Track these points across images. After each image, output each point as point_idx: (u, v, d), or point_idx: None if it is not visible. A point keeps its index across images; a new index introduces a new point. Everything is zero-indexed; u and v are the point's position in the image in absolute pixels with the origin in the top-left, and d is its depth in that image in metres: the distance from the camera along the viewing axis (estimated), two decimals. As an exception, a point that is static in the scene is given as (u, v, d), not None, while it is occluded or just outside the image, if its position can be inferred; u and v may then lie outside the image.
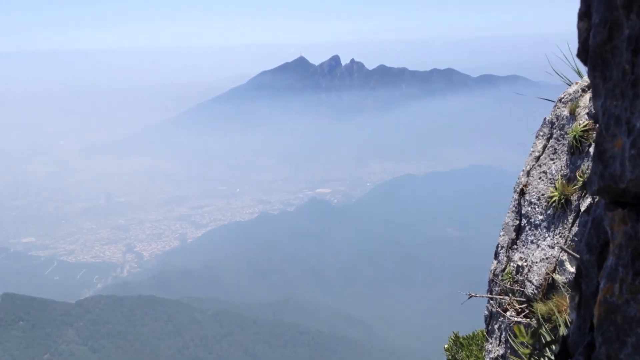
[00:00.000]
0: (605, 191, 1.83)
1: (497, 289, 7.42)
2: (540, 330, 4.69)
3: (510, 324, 6.79)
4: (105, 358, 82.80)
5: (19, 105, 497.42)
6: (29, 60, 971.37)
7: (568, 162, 6.57)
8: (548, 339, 4.32)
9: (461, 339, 10.05)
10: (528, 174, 7.20)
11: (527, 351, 4.41)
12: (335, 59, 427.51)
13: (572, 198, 6.36)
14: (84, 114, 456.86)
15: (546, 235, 6.71)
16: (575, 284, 1.89)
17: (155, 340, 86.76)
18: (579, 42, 1.96)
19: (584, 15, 1.94)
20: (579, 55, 1.98)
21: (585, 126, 6.23)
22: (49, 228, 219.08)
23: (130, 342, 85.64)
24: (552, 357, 3.57)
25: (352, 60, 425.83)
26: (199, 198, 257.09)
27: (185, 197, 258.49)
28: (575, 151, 6.38)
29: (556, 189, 6.51)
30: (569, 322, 5.53)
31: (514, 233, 7.34)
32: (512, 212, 7.40)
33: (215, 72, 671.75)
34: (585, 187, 6.17)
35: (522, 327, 4.24)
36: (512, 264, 7.17)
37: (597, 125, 1.67)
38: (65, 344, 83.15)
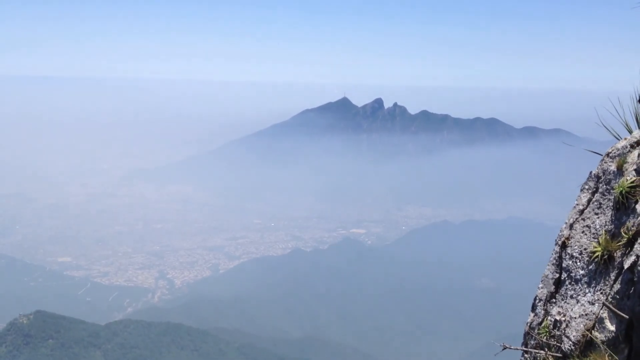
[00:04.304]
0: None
1: (532, 342, 7.29)
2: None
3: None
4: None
5: (65, 129, 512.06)
6: (77, 86, 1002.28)
7: (613, 218, 6.49)
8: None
9: (492, 391, 9.83)
10: (571, 227, 7.12)
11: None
12: (378, 102, 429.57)
13: (615, 254, 6.27)
14: (128, 141, 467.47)
15: (587, 290, 6.60)
16: (626, 336, 1.77)
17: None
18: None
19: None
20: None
21: (632, 182, 6.18)
22: (86, 249, 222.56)
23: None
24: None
25: (395, 104, 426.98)
26: (233, 230, 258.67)
27: (221, 228, 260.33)
28: (621, 207, 6.31)
29: (599, 244, 6.42)
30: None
31: (553, 286, 7.23)
32: (552, 264, 7.30)
33: (259, 108, 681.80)
34: (629, 244, 6.08)
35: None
36: (549, 317, 7.04)
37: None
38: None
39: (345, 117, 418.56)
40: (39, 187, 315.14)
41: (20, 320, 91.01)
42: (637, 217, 6.04)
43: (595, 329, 6.18)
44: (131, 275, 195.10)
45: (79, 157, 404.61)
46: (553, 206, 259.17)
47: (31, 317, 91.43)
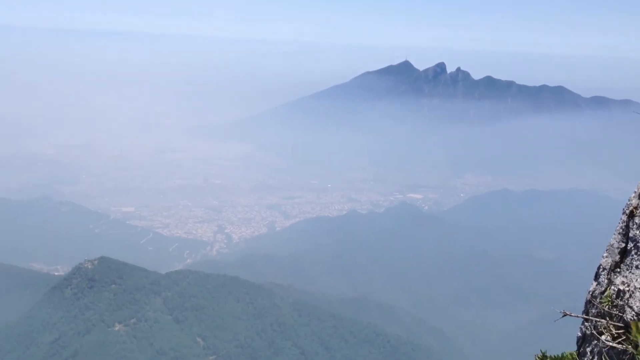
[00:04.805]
0: None
1: (594, 310, 7.25)
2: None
3: (604, 347, 6.65)
4: (187, 329, 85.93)
5: (131, 84, 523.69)
6: (146, 42, 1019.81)
7: (684, 188, 6.35)
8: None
9: (549, 358, 9.82)
10: None
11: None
12: (441, 66, 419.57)
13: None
14: (192, 98, 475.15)
15: (653, 261, 6.51)
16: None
17: (235, 320, 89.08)
18: None
19: None
20: None
21: None
22: (148, 201, 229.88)
23: (212, 317, 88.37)
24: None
25: (458, 69, 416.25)
26: (290, 189, 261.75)
27: (278, 186, 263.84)
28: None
29: (669, 214, 6.30)
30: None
31: (618, 256, 7.14)
32: (619, 234, 7.20)
33: (319, 69, 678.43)
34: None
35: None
36: (612, 287, 6.99)
37: None
38: (152, 311, 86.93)
39: (406, 80, 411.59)
40: (105, 139, 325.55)
41: (85, 265, 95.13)
42: None
43: (660, 300, 6.12)
44: (191, 228, 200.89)
45: (144, 112, 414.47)
46: (620, 179, 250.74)
47: (96, 262, 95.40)
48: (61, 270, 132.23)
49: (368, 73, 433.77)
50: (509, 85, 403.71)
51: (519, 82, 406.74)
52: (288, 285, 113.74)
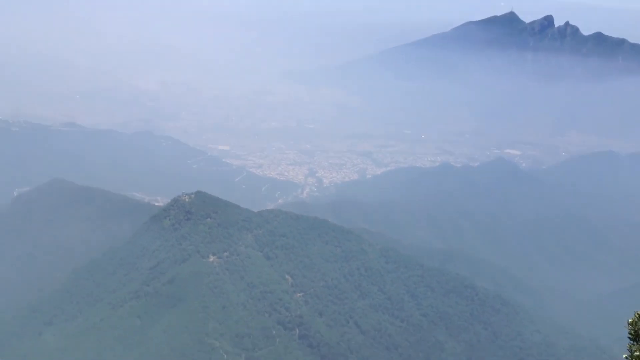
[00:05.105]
0: None
1: None
2: None
3: None
4: (276, 266, 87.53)
5: (230, 25, 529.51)
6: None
7: None
8: None
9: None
10: None
11: None
12: (549, 19, 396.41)
13: None
14: (289, 41, 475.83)
15: None
16: None
17: (322, 261, 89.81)
18: None
19: None
20: None
21: None
22: (244, 141, 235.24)
23: (300, 257, 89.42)
24: None
25: (567, 23, 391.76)
26: (383, 137, 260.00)
27: (371, 134, 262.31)
28: None
29: None
30: None
31: None
32: None
33: (420, 16, 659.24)
34: None
35: None
36: None
37: None
38: (243, 247, 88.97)
39: (510, 32, 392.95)
40: (204, 79, 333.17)
41: (183, 198, 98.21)
42: None
43: None
44: (283, 170, 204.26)
45: (243, 53, 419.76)
46: None
47: (192, 196, 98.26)
48: (161, 201, 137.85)
49: (470, 23, 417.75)
50: (621, 42, 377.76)
51: (631, 40, 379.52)
52: (376, 232, 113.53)
